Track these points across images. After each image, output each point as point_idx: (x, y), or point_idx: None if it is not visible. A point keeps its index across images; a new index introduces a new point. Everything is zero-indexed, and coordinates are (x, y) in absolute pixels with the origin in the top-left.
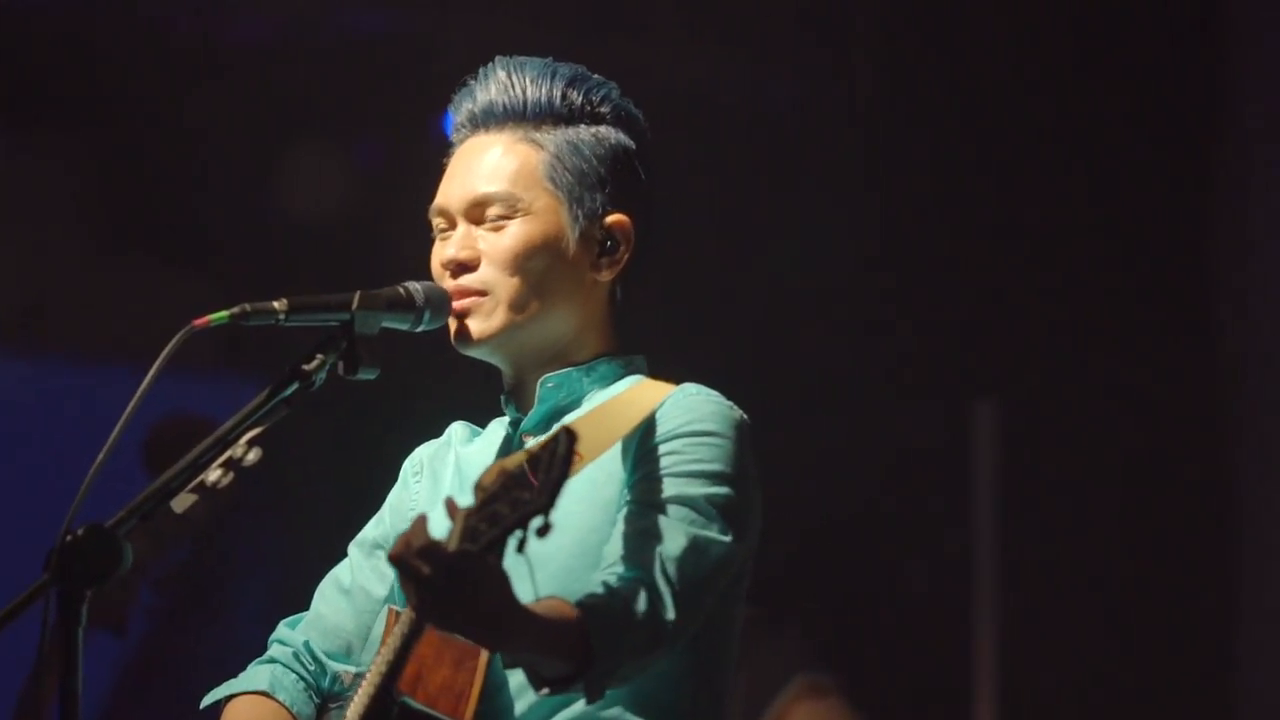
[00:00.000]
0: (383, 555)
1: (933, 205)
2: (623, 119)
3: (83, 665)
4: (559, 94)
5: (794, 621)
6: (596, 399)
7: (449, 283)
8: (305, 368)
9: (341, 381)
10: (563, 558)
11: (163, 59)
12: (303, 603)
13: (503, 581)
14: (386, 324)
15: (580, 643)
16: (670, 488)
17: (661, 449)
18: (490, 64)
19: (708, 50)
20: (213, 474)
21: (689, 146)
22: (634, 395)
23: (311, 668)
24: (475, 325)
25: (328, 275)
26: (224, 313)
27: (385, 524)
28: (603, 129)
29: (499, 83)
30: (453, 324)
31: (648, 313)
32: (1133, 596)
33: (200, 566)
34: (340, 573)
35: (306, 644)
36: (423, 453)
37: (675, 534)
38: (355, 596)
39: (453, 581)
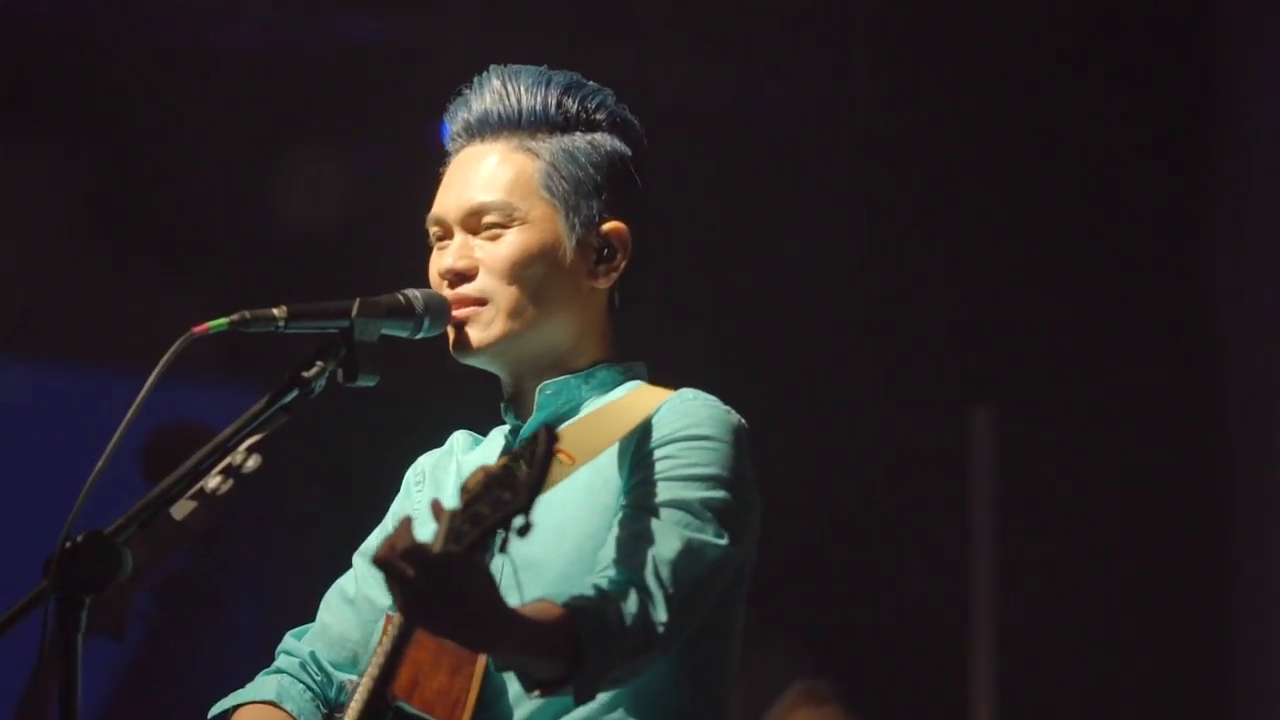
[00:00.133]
0: None
1: (929, 209)
2: (618, 126)
3: (82, 671)
4: (554, 102)
5: (792, 626)
6: (595, 405)
7: (447, 292)
8: (305, 375)
9: (341, 389)
10: (561, 564)
11: (160, 64)
12: (300, 610)
13: (488, 582)
14: (386, 331)
15: (570, 644)
16: (665, 491)
17: (657, 453)
18: (485, 73)
19: (704, 58)
20: (212, 481)
21: (688, 152)
22: (631, 400)
23: (318, 677)
24: (474, 334)
25: (327, 282)
26: (223, 319)
27: (389, 533)
28: (598, 136)
29: (494, 92)
30: (451, 333)
31: (647, 319)
32: (1130, 599)
33: (199, 573)
34: (345, 583)
35: (313, 654)
36: (425, 462)
37: (669, 537)
38: (360, 606)
39: (437, 582)
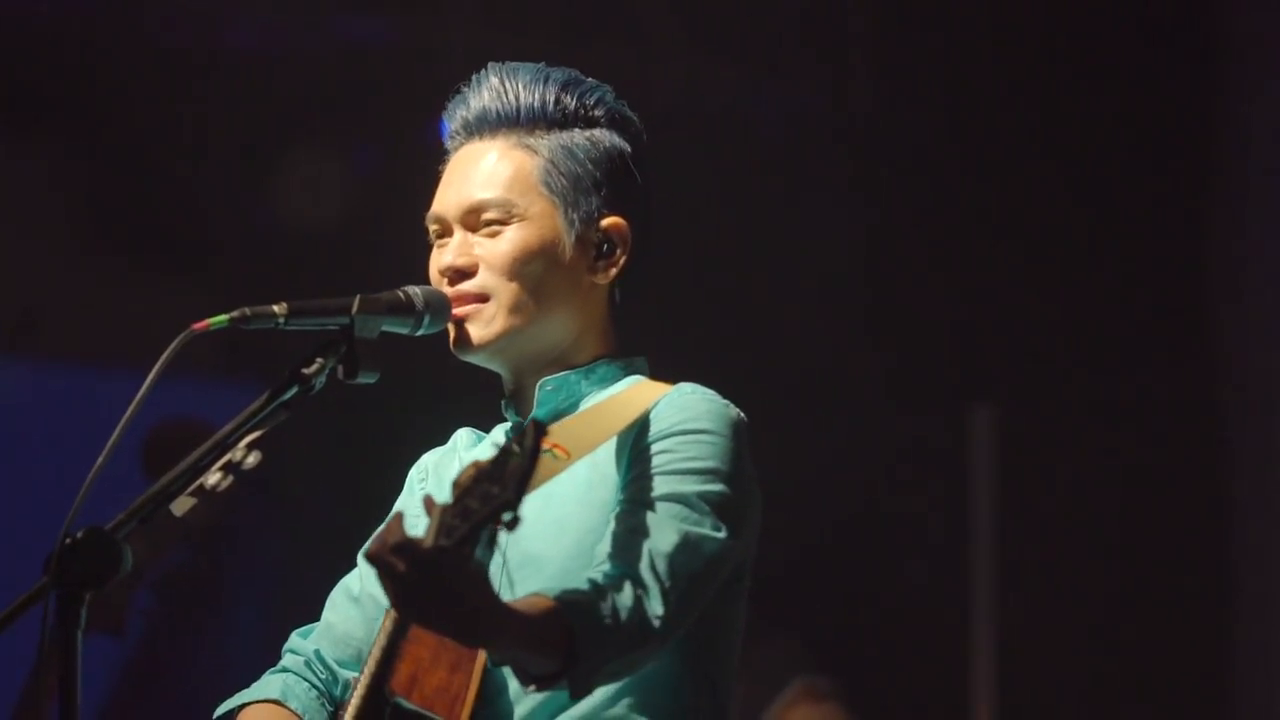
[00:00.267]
0: None
1: (929, 208)
2: (617, 122)
3: (82, 667)
4: (552, 99)
5: (792, 624)
6: (595, 400)
7: (447, 289)
8: (305, 371)
9: (342, 386)
10: (560, 559)
11: (161, 64)
12: (301, 607)
13: (479, 577)
14: (386, 328)
15: (564, 639)
16: (662, 485)
17: (655, 448)
18: (483, 71)
19: (704, 59)
20: (212, 477)
21: (688, 152)
22: (630, 395)
23: (323, 676)
24: (474, 332)
25: (327, 281)
26: (223, 316)
27: None
28: (597, 132)
29: (492, 89)
30: (452, 331)
31: (646, 319)
32: (1130, 598)
33: (199, 569)
34: (350, 581)
35: (318, 652)
36: (429, 459)
37: (666, 530)
38: (365, 604)
39: (428, 577)
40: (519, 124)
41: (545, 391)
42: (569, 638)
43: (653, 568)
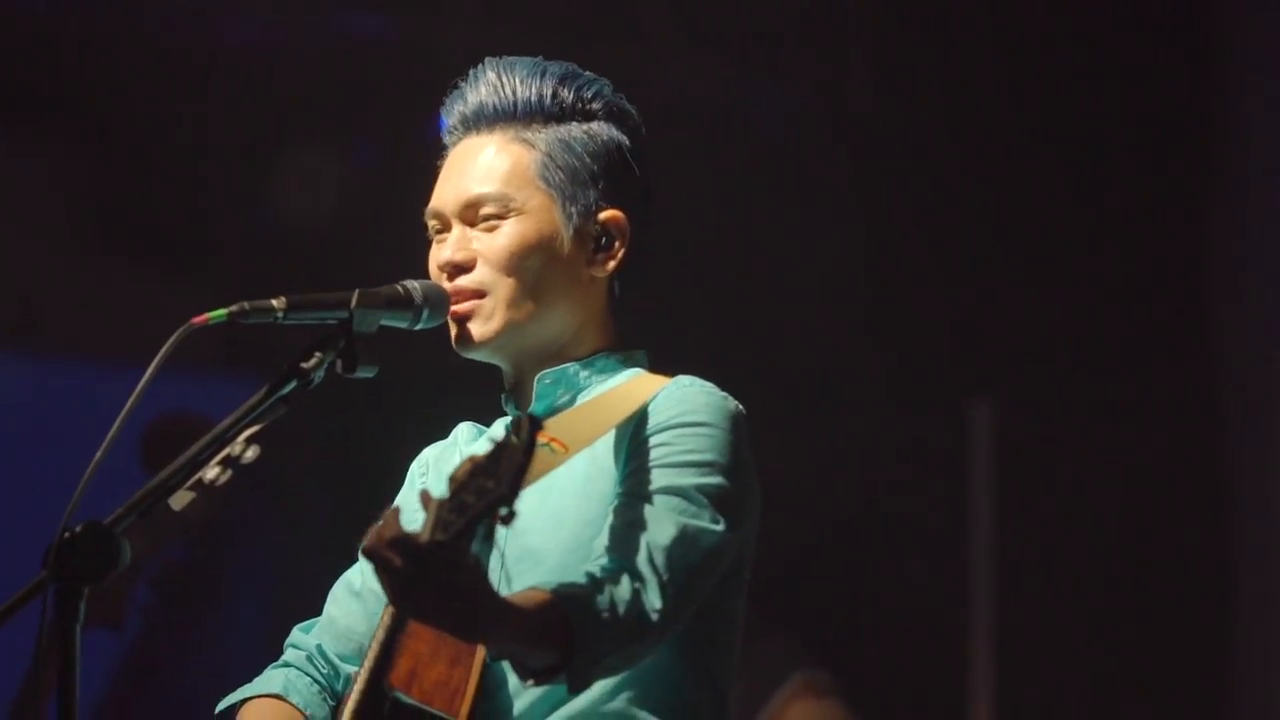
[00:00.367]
0: None
1: (928, 205)
2: (615, 115)
3: (80, 661)
4: (549, 92)
5: (791, 622)
6: (594, 393)
7: (446, 285)
8: (304, 365)
9: (340, 382)
10: (558, 552)
11: (159, 61)
12: (299, 601)
13: (476, 571)
14: (385, 322)
15: (562, 633)
16: (660, 478)
17: (653, 441)
18: (480, 65)
19: (704, 57)
20: (210, 471)
21: (687, 151)
22: (629, 388)
23: (325, 670)
24: (475, 328)
25: (326, 276)
26: (222, 310)
27: None
28: (595, 125)
29: (489, 84)
30: (453, 328)
31: (645, 319)
32: (1129, 595)
33: (197, 564)
34: (351, 575)
35: (319, 647)
36: (429, 453)
37: (663, 523)
38: (366, 599)
39: (424, 572)
40: (516, 118)
41: (543, 385)
42: (567, 632)
43: (651, 561)
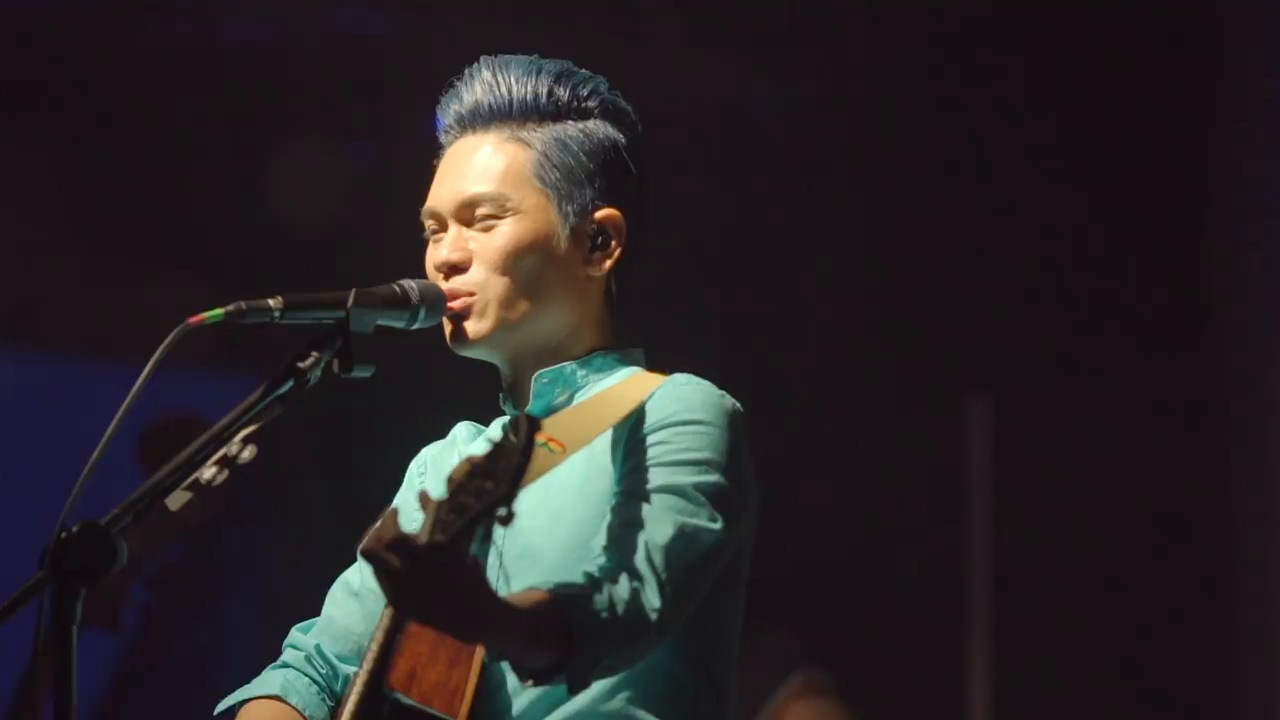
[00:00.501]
0: None
1: (926, 203)
2: (611, 113)
3: (77, 662)
4: (545, 91)
5: (789, 621)
6: (591, 392)
7: (442, 285)
8: (301, 365)
9: (336, 382)
10: (556, 552)
11: (156, 58)
12: (296, 601)
13: (475, 572)
14: (382, 322)
15: (562, 633)
16: (658, 477)
17: (650, 439)
18: (475, 64)
19: (702, 52)
20: (207, 471)
21: (684, 148)
22: (626, 387)
23: (324, 670)
24: (470, 327)
25: (323, 274)
26: (219, 310)
27: None
28: (591, 124)
29: (484, 83)
30: (448, 326)
31: (640, 310)
32: (1127, 594)
33: (194, 564)
34: (350, 575)
35: (318, 647)
36: (428, 453)
37: (662, 522)
38: (364, 598)
39: (423, 573)
40: (512, 117)
41: (540, 384)
42: (566, 632)
43: (649, 560)
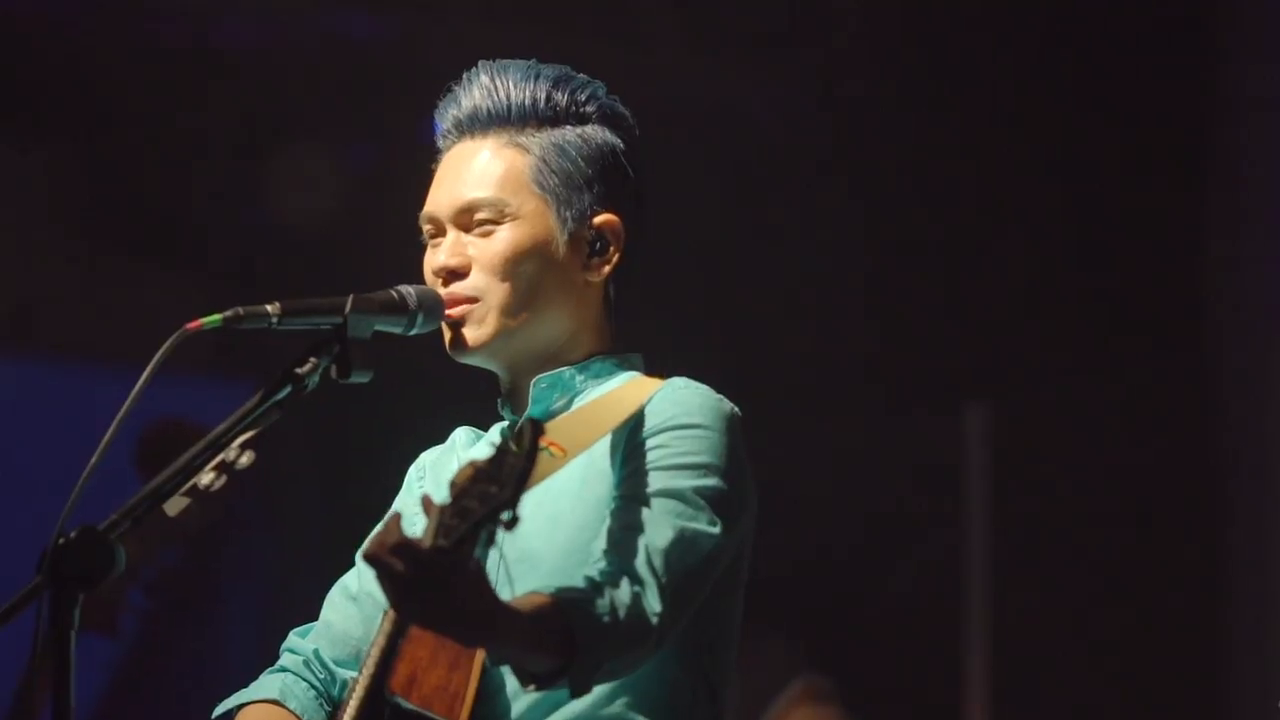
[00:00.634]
0: None
1: (924, 207)
2: (609, 118)
3: (75, 667)
4: (543, 96)
5: (787, 624)
6: (590, 397)
7: (441, 290)
8: (299, 371)
9: (334, 387)
10: (554, 556)
11: (154, 61)
12: (293, 607)
13: (478, 577)
14: (380, 327)
15: (564, 638)
16: (657, 481)
17: (649, 443)
18: (474, 69)
19: (700, 55)
20: (205, 477)
21: (683, 151)
22: (624, 392)
23: (322, 675)
24: (469, 333)
25: (321, 279)
26: (217, 316)
27: None
28: (589, 129)
29: (482, 87)
30: (447, 333)
31: (636, 314)
32: (1126, 597)
33: (192, 569)
34: (348, 579)
35: (316, 652)
36: (427, 458)
37: (662, 527)
38: (363, 603)
39: (427, 578)
40: (510, 122)
41: (539, 389)
42: (568, 636)
43: (650, 564)
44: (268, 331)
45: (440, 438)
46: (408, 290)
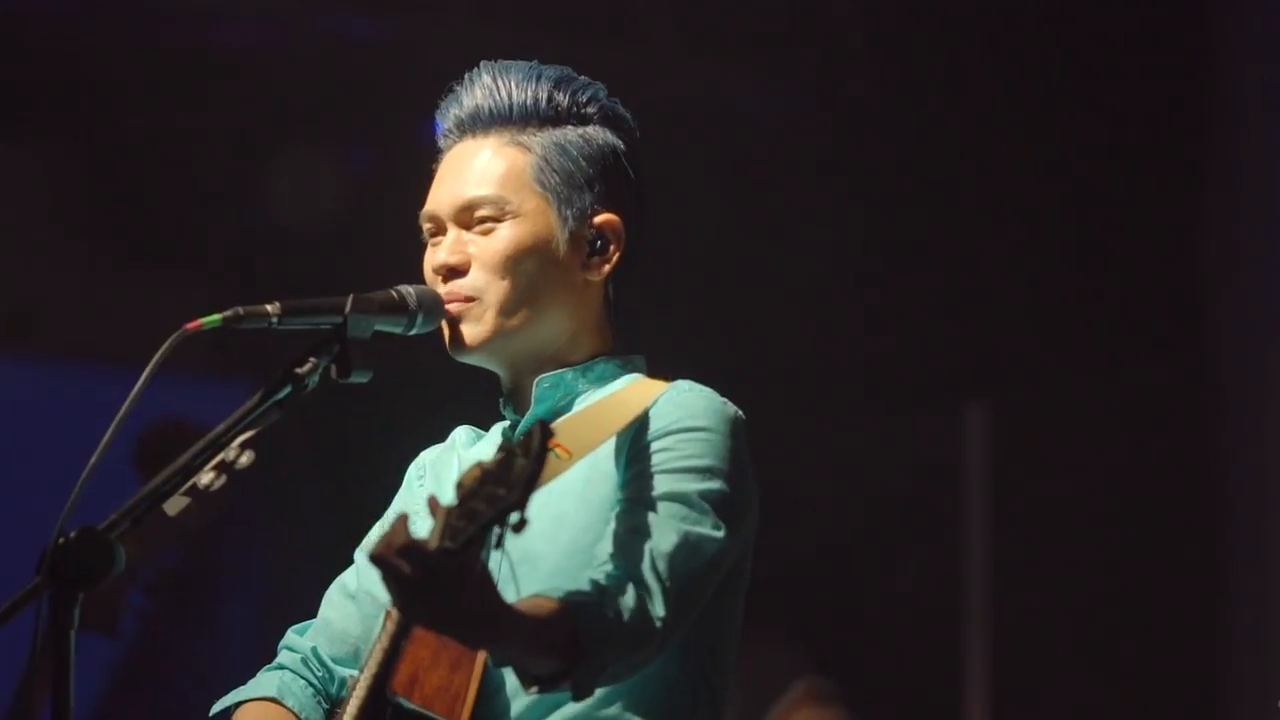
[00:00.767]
0: None
1: (923, 207)
2: (610, 119)
3: (74, 667)
4: (545, 96)
5: (786, 626)
6: (593, 398)
7: (441, 288)
8: (298, 370)
9: (334, 387)
10: (557, 557)
11: (154, 62)
12: (293, 607)
13: (485, 579)
14: (379, 327)
15: (568, 641)
16: (662, 484)
17: (654, 446)
18: (476, 69)
19: (700, 55)
20: (205, 477)
21: (682, 151)
22: (628, 394)
23: (320, 673)
24: (468, 332)
25: (320, 279)
26: (216, 316)
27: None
28: (590, 129)
29: (484, 87)
30: (446, 331)
31: (640, 316)
32: (1125, 598)
33: (192, 569)
34: (346, 578)
35: (314, 649)
36: (427, 457)
37: (667, 531)
38: (361, 601)
39: (434, 579)
40: (511, 121)
41: (542, 389)
42: (572, 640)
43: (654, 569)
44: (267, 331)
45: (440, 436)
46: (407, 290)
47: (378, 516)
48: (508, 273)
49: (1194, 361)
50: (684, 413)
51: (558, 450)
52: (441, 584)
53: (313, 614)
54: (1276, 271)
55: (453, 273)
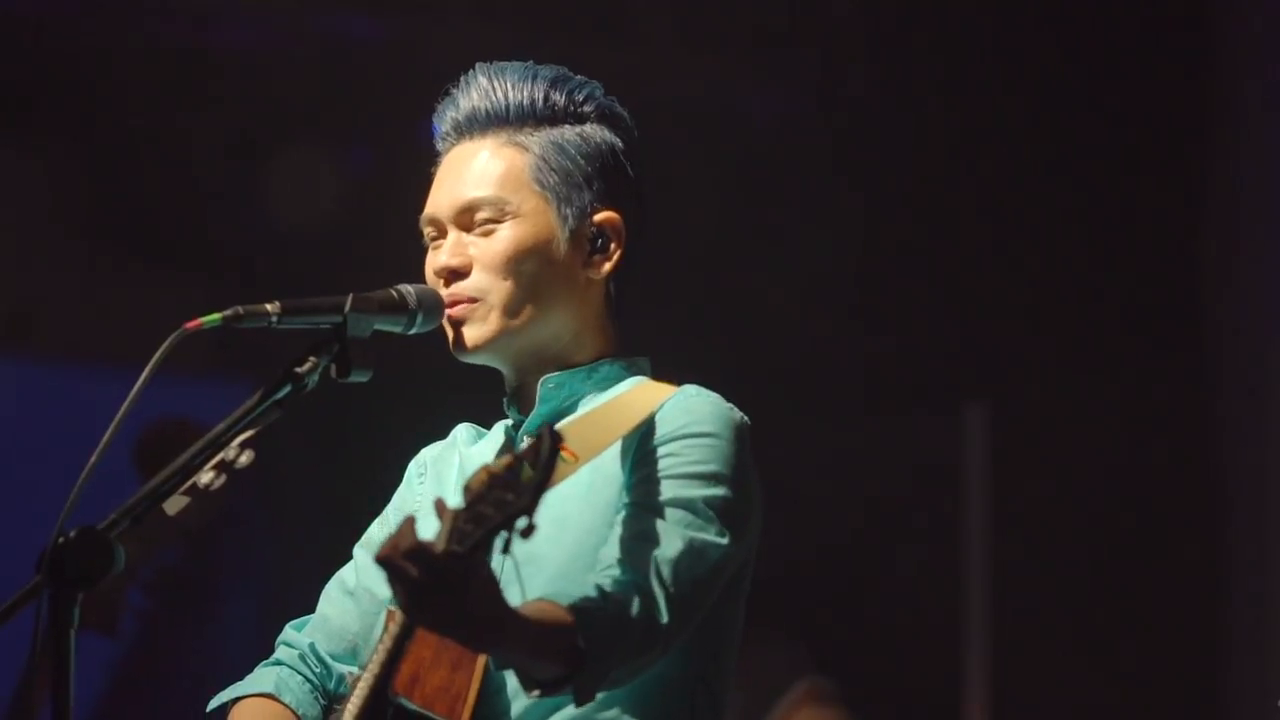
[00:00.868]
0: None
1: (922, 207)
2: (607, 117)
3: (74, 666)
4: (541, 96)
5: (786, 626)
6: (597, 400)
7: (443, 291)
8: (298, 370)
9: (333, 386)
10: (560, 559)
11: (153, 62)
12: (292, 605)
13: (490, 583)
14: (379, 327)
15: (571, 645)
16: (667, 490)
17: (660, 451)
18: (471, 70)
19: (699, 55)
20: (205, 476)
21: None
22: (633, 397)
23: (317, 669)
24: (470, 332)
25: (320, 279)
26: (216, 315)
27: (389, 525)
28: (587, 128)
29: (480, 89)
30: (449, 333)
31: (641, 316)
32: (1124, 598)
33: (191, 568)
34: (345, 574)
35: (312, 646)
36: (427, 454)
37: (672, 537)
38: (360, 598)
39: (440, 582)
40: (509, 122)
41: (547, 389)
42: (575, 645)
43: (658, 574)
44: (267, 331)
45: (440, 435)
46: (407, 289)
47: (377, 515)
48: (510, 273)
49: (1194, 361)
50: (690, 418)
51: (564, 453)
52: (447, 587)
53: (312, 611)
54: (1276, 271)
55: (455, 275)
